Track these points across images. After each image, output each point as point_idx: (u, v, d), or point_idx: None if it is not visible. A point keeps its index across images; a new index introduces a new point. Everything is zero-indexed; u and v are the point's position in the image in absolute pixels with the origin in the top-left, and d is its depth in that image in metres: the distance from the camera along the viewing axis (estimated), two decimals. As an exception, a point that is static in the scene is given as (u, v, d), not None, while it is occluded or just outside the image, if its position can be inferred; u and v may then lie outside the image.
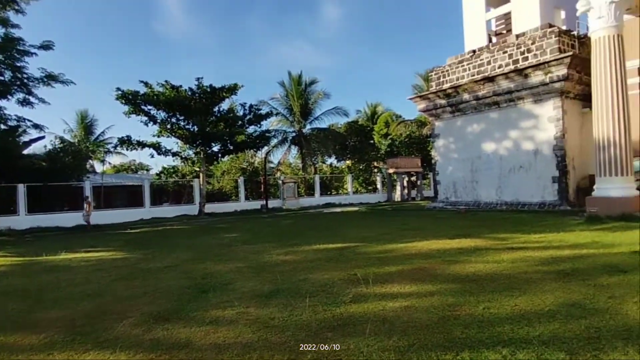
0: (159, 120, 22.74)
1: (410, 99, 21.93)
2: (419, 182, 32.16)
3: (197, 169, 24.78)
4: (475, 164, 18.88)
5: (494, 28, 20.74)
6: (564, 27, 17.31)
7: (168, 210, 24.12)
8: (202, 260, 8.41)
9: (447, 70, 20.00)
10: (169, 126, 22.95)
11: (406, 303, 4.61)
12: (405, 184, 31.61)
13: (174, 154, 24.27)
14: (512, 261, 6.61)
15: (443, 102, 19.81)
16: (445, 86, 19.62)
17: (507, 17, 19.69)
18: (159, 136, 23.21)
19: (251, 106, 24.16)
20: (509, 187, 17.50)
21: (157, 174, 32.71)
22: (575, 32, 16.99)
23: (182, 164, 27.56)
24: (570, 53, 15.03)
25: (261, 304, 4.88)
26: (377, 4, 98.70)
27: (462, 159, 19.49)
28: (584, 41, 16.58)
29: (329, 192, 33.97)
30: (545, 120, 16.22)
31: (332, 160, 39.18)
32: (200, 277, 6.64)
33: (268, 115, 25.79)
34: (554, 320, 3.81)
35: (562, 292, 4.73)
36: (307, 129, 32.54)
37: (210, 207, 24.43)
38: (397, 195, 31.40)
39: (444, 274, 6.03)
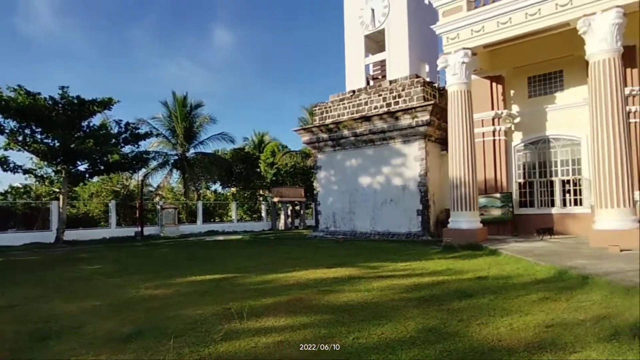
0: (7, 131, 19.37)
1: (296, 130, 22.66)
2: (302, 212, 32.98)
3: (57, 190, 21.57)
4: (353, 196, 20.14)
5: (371, 72, 22.92)
6: (427, 79, 19.96)
7: (15, 238, 20.34)
8: (49, 299, 7.17)
9: (330, 107, 21.28)
10: (20, 138, 19.68)
11: (280, 338, 4.51)
12: (289, 212, 32.11)
13: (26, 171, 20.81)
14: (381, 289, 7.05)
15: (325, 136, 20.91)
16: (328, 121, 20.80)
17: (382, 63, 21.98)
18: (6, 149, 19.72)
19: (128, 124, 22.20)
20: (382, 219, 19.01)
21: (1, 194, 27.57)
22: (436, 84, 19.71)
23: (37, 183, 23.72)
24: (432, 102, 17.34)
25: (116, 349, 4.28)
26: (270, 36, 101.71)
27: (342, 191, 20.63)
28: (442, 92, 19.31)
29: (212, 220, 32.60)
30: (412, 159, 18.22)
31: (216, 186, 38.03)
32: (43, 320, 5.62)
33: (147, 135, 23.97)
34: (414, 347, 4.10)
35: (422, 318, 5.16)
36: (191, 153, 31.15)
37: (72, 234, 21.38)
38: (281, 224, 31.63)
39: (318, 304, 6.12)
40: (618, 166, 11.63)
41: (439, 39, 23.11)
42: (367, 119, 19.08)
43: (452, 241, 13.54)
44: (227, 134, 31.17)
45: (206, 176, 31.98)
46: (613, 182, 11.60)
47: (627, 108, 12.90)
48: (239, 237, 23.79)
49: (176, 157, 30.32)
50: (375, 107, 19.44)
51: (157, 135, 27.83)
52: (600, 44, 12.22)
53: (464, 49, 14.62)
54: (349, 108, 20.45)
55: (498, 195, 16.08)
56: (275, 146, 37.79)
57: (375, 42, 22.63)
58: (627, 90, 13.58)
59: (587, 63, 14.95)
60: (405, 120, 18.01)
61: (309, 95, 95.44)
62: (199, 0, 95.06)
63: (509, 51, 16.14)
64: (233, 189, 36.46)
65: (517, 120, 16.77)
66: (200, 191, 35.13)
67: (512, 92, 17.21)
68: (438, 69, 15.49)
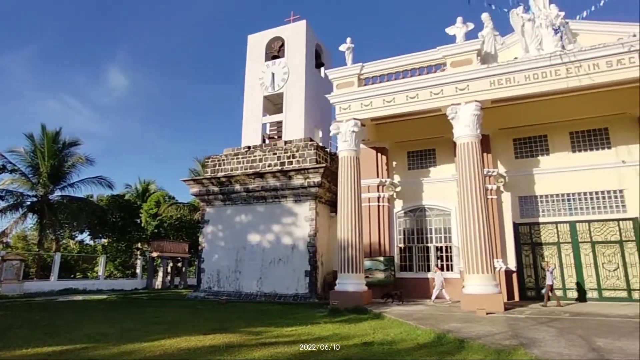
0: None
1: (185, 181, 21.38)
2: (184, 269, 30.36)
3: None
4: (240, 254, 19.22)
5: (267, 131, 23.27)
6: (320, 144, 20.88)
7: None
8: None
9: (224, 160, 20.73)
10: None
11: None
12: (169, 269, 29.27)
13: None
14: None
15: (216, 189, 20.07)
16: (220, 174, 20.11)
17: (279, 124, 22.55)
18: None
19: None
20: (269, 279, 18.31)
21: None
22: (328, 149, 20.69)
23: None
24: (324, 165, 18.02)
25: None
26: (168, 84, 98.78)
27: (229, 248, 19.58)
28: (334, 157, 20.27)
29: (73, 276, 27.98)
30: (302, 219, 18.30)
31: (84, 236, 33.16)
32: None
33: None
34: None
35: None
36: (55, 196, 26.82)
37: None
38: (158, 282, 28.53)
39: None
40: (481, 236, 13.10)
41: (332, 108, 24.82)
42: (260, 175, 18.91)
43: (339, 304, 13.46)
44: (105, 179, 27.91)
45: (72, 223, 27.73)
46: (478, 251, 12.96)
47: (486, 186, 14.85)
48: (104, 297, 20.64)
49: (34, 199, 25.86)
50: (270, 165, 19.47)
51: (12, 171, 23.70)
52: (465, 129, 14.20)
53: (354, 119, 15.73)
54: (243, 163, 20.15)
55: (382, 258, 16.79)
56: (161, 196, 35.08)
57: (273, 104, 23.35)
58: (485, 171, 15.76)
59: (454, 144, 17.31)
60: (298, 180, 18.27)
61: (201, 147, 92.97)
62: (97, 37, 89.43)
63: (392, 127, 17.86)
64: (105, 240, 32.17)
65: (398, 189, 18.20)
66: (63, 241, 30.29)
67: (394, 163, 18.81)
68: (330, 134, 16.31)
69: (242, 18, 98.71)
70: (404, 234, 18.06)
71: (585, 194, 15.48)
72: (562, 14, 14.30)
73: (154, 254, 28.43)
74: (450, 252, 17.05)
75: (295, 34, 22.18)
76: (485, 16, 15.73)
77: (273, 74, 22.02)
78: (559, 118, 15.85)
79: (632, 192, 14.89)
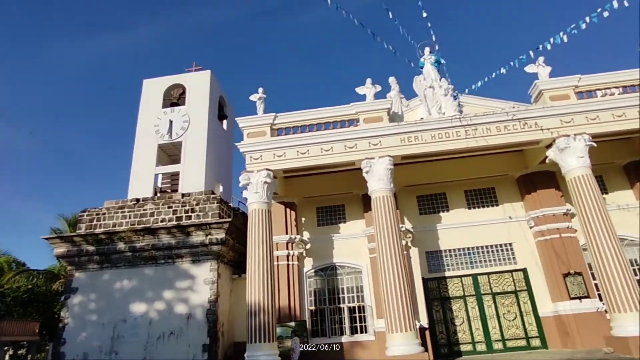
0: None
1: (48, 238, 17.19)
2: (29, 358, 23.66)
3: None
4: (119, 330, 15.56)
5: (159, 184, 20.66)
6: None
7: None
8: None
9: (104, 214, 17.44)
10: None
11: None
12: (7, 359, 22.49)
13: None
14: None
15: (91, 248, 16.49)
16: (99, 230, 16.70)
17: (173, 176, 20.26)
18: None
19: None
20: None
21: None
22: (231, 204, 18.99)
23: None
24: (230, 219, 16.26)
25: None
26: (20, 136, 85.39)
27: (103, 323, 15.74)
28: (236, 213, 18.63)
29: None
30: (201, 282, 15.84)
31: None
32: None
33: None
34: None
35: None
36: None
37: None
38: (-12, 379, 21.51)
39: None
40: (401, 292, 12.63)
41: (234, 162, 23.52)
42: (151, 231, 16.17)
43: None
44: None
45: None
46: (399, 307, 12.37)
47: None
48: None
49: None
50: (164, 220, 16.89)
51: None
52: (379, 182, 14.24)
53: (267, 169, 14.71)
54: (130, 218, 17.15)
55: (292, 324, 15.08)
56: (5, 262, 27.95)
57: (167, 154, 21.19)
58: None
59: (363, 200, 17.33)
60: (198, 237, 16.04)
61: (66, 207, 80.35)
62: None
63: (301, 182, 17.27)
64: None
65: (308, 246, 17.18)
66: None
67: (303, 219, 17.95)
68: (240, 185, 14.89)
69: (114, 67, 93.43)
70: (315, 295, 16.79)
71: (482, 247, 16.50)
72: (452, 86, 15.99)
73: (-13, 340, 21.67)
74: (364, 312, 16.25)
75: (198, 83, 20.96)
76: (392, 80, 16.88)
77: (171, 122, 20.10)
78: (455, 177, 17.09)
79: (519, 245, 16.34)
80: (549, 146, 14.54)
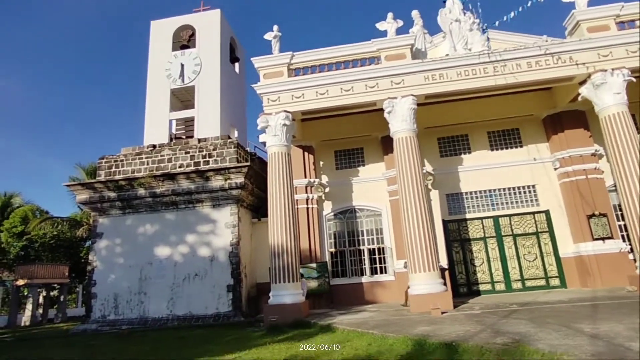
0: None
1: (69, 185, 17.39)
2: (62, 298, 24.96)
3: None
4: (146, 272, 16.06)
5: (174, 130, 20.38)
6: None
7: None
8: None
9: (122, 161, 17.39)
10: None
11: None
12: (41, 300, 23.75)
13: None
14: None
15: (113, 195, 16.62)
16: (119, 177, 16.73)
17: (187, 122, 19.92)
18: None
19: None
20: (183, 299, 15.53)
21: None
22: (247, 149, 18.73)
23: None
24: (248, 163, 16.07)
25: None
26: (35, 88, 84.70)
27: (130, 265, 16.24)
28: (253, 158, 18.43)
29: None
30: (222, 226, 16.01)
31: None
32: None
33: None
34: None
35: None
36: None
37: None
38: (26, 318, 22.87)
39: None
40: (424, 233, 12.56)
41: (247, 106, 22.97)
42: (171, 177, 16.14)
43: (278, 319, 11.61)
44: None
45: None
46: (422, 248, 12.37)
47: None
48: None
49: None
50: (181, 166, 16.81)
51: None
52: (402, 123, 13.72)
53: (285, 111, 14.24)
54: (148, 164, 17.09)
55: (314, 265, 15.39)
56: (29, 210, 28.71)
57: (180, 100, 20.66)
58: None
59: (382, 142, 16.93)
60: (217, 182, 16.00)
61: (80, 157, 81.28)
62: None
63: (318, 125, 16.83)
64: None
65: (327, 189, 17.10)
66: None
67: (321, 162, 17.72)
68: (258, 127, 14.53)
69: (122, 9, 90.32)
70: (335, 238, 16.96)
71: (504, 189, 16.22)
72: (478, 20, 14.89)
73: (20, 282, 22.79)
74: (384, 253, 16.43)
75: (208, 23, 19.94)
76: (415, 13, 15.78)
77: (182, 65, 19.40)
78: (478, 118, 16.45)
79: (542, 187, 16.01)
80: (582, 83, 13.71)
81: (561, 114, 15.81)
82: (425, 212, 12.81)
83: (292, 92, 14.52)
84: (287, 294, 12.75)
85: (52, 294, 25.99)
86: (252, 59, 14.92)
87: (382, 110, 16.34)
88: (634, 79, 13.06)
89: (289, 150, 14.39)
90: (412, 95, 13.81)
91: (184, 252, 16.02)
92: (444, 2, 15.51)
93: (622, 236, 14.60)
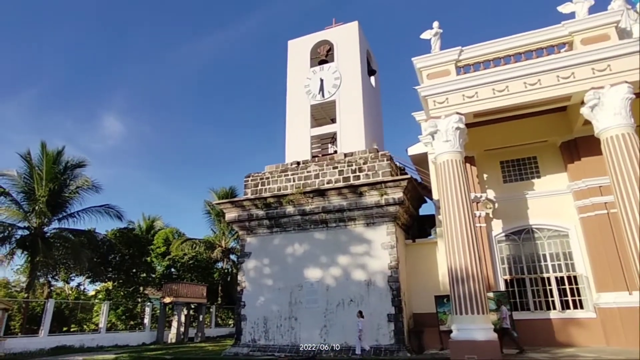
0: None
1: (219, 203, 17.50)
2: (201, 317, 25.55)
3: None
4: (296, 295, 15.04)
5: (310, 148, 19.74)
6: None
7: None
8: None
9: (268, 178, 17.01)
10: None
11: None
12: (182, 318, 24.49)
13: None
14: None
15: (261, 213, 16.19)
16: (266, 194, 16.29)
17: (322, 139, 19.26)
18: None
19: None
20: (337, 327, 14.08)
21: None
22: (397, 163, 17.16)
23: None
24: (408, 176, 14.39)
25: None
26: (167, 129, 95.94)
27: (279, 288, 15.41)
28: (404, 172, 16.74)
29: (67, 329, 23.03)
30: (378, 246, 14.41)
31: (80, 279, 28.17)
32: None
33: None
34: None
35: None
36: (52, 228, 22.16)
37: None
38: (171, 335, 23.65)
39: None
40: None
41: (383, 120, 21.38)
42: (320, 193, 15.17)
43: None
44: (113, 207, 23.36)
45: (69, 263, 23.04)
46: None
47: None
48: (111, 357, 15.99)
49: (26, 232, 21.26)
50: (329, 181, 15.80)
51: (1, 194, 19.42)
52: (614, 118, 10.91)
53: (457, 113, 12.38)
54: (294, 181, 16.43)
55: (491, 294, 12.84)
56: (170, 233, 30.72)
57: (315, 118, 20.06)
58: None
59: (564, 148, 14.09)
60: (372, 198, 14.56)
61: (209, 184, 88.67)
62: (93, 82, 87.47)
63: (479, 132, 14.52)
64: (107, 284, 27.21)
65: (495, 206, 14.60)
66: (55, 284, 25.48)
67: (485, 175, 15.36)
68: (425, 134, 12.88)
69: (240, 50, 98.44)
70: (507, 263, 14.25)
71: None
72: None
73: (167, 300, 23.78)
74: (576, 283, 13.23)
75: (346, 36, 19.33)
76: (614, -15, 13.01)
77: (322, 80, 18.89)
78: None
79: None
80: None
81: None
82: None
83: (463, 91, 12.66)
84: (476, 329, 10.46)
85: (191, 312, 26.82)
86: (413, 59, 13.49)
87: (563, 109, 13.70)
88: None
89: (462, 157, 12.42)
90: (627, 82, 10.96)
91: (336, 275, 14.69)
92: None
93: None
